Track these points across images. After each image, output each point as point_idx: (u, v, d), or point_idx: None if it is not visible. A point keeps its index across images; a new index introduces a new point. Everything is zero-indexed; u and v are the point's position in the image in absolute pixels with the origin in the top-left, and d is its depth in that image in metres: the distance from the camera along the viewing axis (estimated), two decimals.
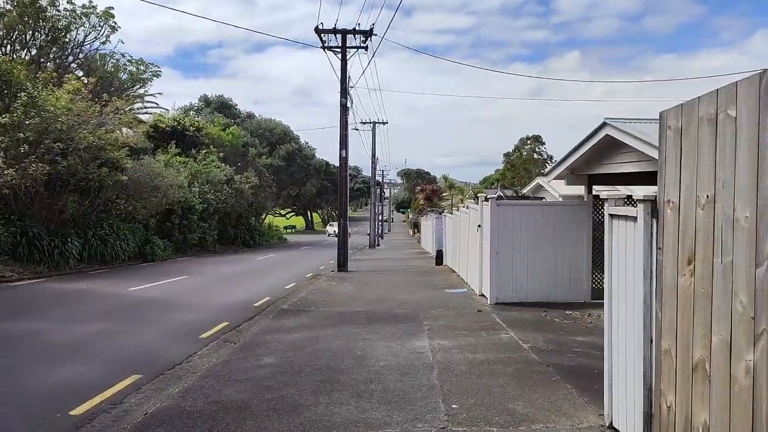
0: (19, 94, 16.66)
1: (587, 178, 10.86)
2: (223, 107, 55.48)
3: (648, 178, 9.16)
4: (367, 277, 17.34)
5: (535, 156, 59.76)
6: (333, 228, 52.64)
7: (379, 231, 49.57)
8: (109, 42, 27.11)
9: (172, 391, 5.75)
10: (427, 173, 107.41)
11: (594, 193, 10.95)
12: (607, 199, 4.32)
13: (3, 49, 23.40)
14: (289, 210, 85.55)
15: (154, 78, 31.15)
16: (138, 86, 31.19)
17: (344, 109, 20.18)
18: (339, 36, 20.01)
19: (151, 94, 35.01)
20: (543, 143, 60.82)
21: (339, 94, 20.17)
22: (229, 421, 4.74)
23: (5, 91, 17.48)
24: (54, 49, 25.34)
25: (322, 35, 19.90)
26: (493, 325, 8.72)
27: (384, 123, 45.53)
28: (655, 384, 3.69)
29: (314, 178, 73.36)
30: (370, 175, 51.35)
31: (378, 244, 42.31)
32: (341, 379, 5.85)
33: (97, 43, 26.76)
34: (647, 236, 3.73)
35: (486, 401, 5.05)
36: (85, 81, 23.11)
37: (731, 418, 2.85)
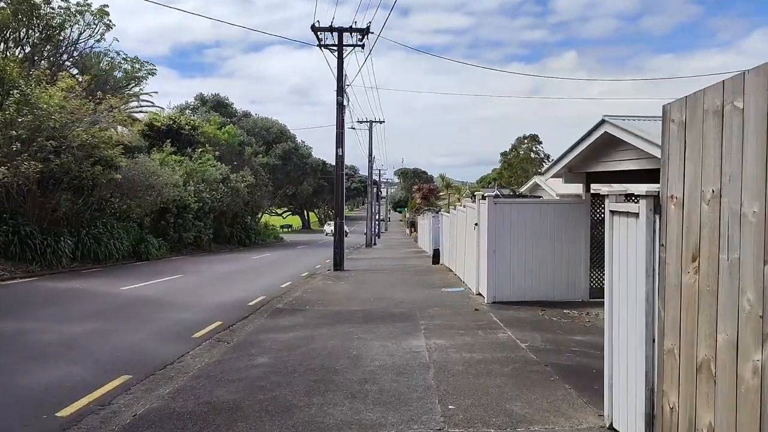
0: (11, 92, 16.46)
1: (585, 176, 10.77)
2: (219, 106, 55.24)
3: (647, 176, 9.08)
4: (364, 276, 17.23)
5: (532, 155, 59.75)
6: (330, 227, 52.47)
7: (376, 230, 49.43)
8: (104, 40, 27.00)
9: (163, 391, 5.63)
10: (425, 173, 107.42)
11: (592, 191, 10.87)
12: (607, 195, 4.22)
13: None
14: (286, 209, 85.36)
15: (149, 76, 30.95)
16: (133, 84, 30.96)
17: (341, 108, 20.06)
18: (335, 34, 19.88)
19: (146, 93, 34.82)
20: (540, 142, 60.86)
21: (335, 92, 20.05)
22: (220, 423, 4.62)
23: None
24: (48, 47, 25.11)
25: (319, 33, 19.77)
26: (490, 324, 8.61)
27: (381, 122, 45.48)
28: (657, 384, 3.59)
29: (311, 177, 73.21)
30: (367, 174, 51.24)
31: (375, 244, 42.19)
32: (335, 379, 5.74)
33: (91, 41, 26.56)
34: (649, 233, 3.62)
35: (483, 402, 4.94)
36: (79, 79, 22.87)
37: (738, 420, 2.75)
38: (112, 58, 28.88)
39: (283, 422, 4.57)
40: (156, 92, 45.21)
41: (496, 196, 11.53)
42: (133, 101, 33.57)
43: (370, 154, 47.39)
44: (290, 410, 4.85)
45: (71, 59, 26.80)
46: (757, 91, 2.65)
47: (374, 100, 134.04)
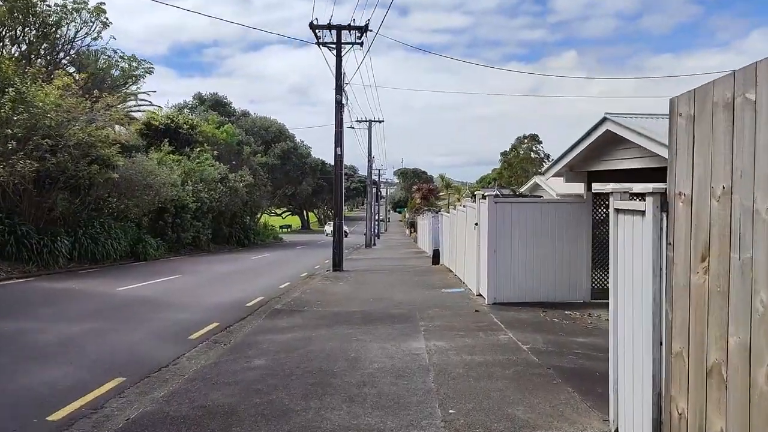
0: (6, 90, 16.32)
1: (586, 175, 10.66)
2: (217, 105, 55.12)
3: (650, 174, 8.96)
4: (363, 276, 17.11)
5: (532, 155, 59.66)
6: (331, 228, 52.46)
7: (376, 230, 49.32)
8: (101, 38, 26.68)
9: (157, 395, 5.51)
10: (424, 173, 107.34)
11: (594, 190, 10.75)
12: (612, 192, 4.10)
13: None
14: (285, 209, 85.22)
15: (147, 75, 30.79)
16: (130, 83, 30.80)
17: (339, 106, 19.93)
18: (334, 32, 19.77)
19: (144, 92, 34.68)
20: (540, 142, 60.78)
21: (334, 91, 19.92)
22: (215, 428, 4.50)
23: None
24: (45, 45, 24.95)
25: (317, 31, 19.66)
26: (491, 325, 8.49)
27: (380, 121, 45.35)
28: (665, 389, 3.47)
29: (310, 177, 73.07)
30: (367, 174, 51.13)
31: (374, 244, 42.09)
32: (333, 382, 5.62)
33: (88, 39, 26.36)
34: (656, 231, 3.50)
35: (485, 406, 4.82)
36: (76, 77, 22.73)
37: (751, 427, 2.63)
38: (109, 56, 28.76)
39: (279, 427, 4.45)
40: (154, 91, 45.29)
41: (497, 195, 11.41)
42: (131, 100, 33.45)
43: (370, 154, 47.28)
44: (287, 414, 4.73)
45: (68, 57, 26.64)
46: None
47: (373, 99, 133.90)
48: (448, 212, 20.11)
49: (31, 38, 24.02)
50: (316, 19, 19.44)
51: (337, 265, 19.04)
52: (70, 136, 17.67)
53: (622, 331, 4.07)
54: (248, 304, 11.45)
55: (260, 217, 51.48)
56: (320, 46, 19.92)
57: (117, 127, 24.95)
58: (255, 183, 38.78)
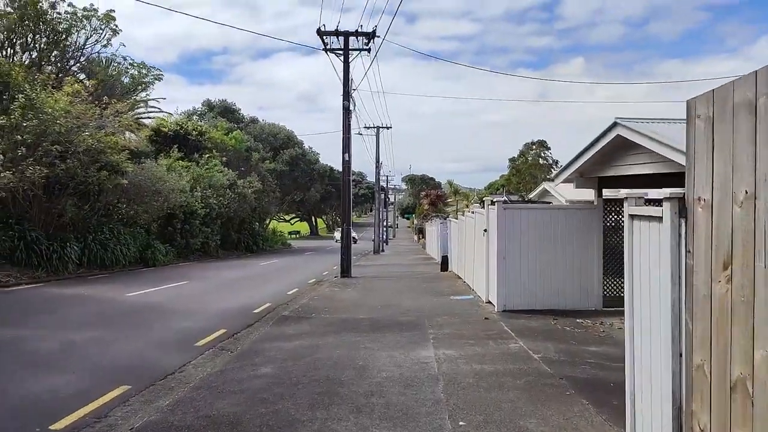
0: (16, 96, 16.44)
1: (597, 180, 10.51)
2: (226, 112, 55.42)
3: (662, 180, 8.80)
4: (371, 283, 17.00)
5: (541, 161, 59.30)
6: (340, 234, 52.44)
7: (384, 237, 49.23)
8: (111, 45, 26.85)
9: (162, 403, 5.43)
10: (432, 179, 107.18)
11: (604, 196, 10.59)
12: (626, 198, 3.97)
13: (4, 52, 23.25)
14: (294, 215, 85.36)
15: (156, 81, 30.95)
16: (140, 90, 31.00)
17: (347, 112, 19.91)
18: (341, 38, 19.77)
19: (153, 99, 34.89)
20: (548, 148, 60.40)
21: (342, 97, 19.91)
22: None
23: (4, 94, 17.28)
24: (55, 52, 25.17)
25: (325, 37, 19.68)
26: (501, 333, 8.35)
27: (388, 128, 45.30)
28: (685, 403, 3.33)
29: (318, 183, 73.17)
30: (375, 180, 51.08)
31: (382, 250, 41.97)
32: (341, 391, 5.51)
33: (98, 47, 26.54)
34: (674, 238, 3.37)
35: (496, 418, 4.69)
36: (86, 83, 22.90)
37: None
38: (118, 63, 28.95)
39: None
40: (164, 98, 45.55)
41: (506, 201, 11.27)
42: (140, 107, 33.64)
43: (378, 160, 47.25)
44: (292, 425, 4.63)
45: (78, 64, 26.85)
46: None
47: (381, 105, 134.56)
48: (457, 218, 19.97)
49: (42, 45, 24.24)
50: (324, 25, 19.48)
51: (345, 271, 18.94)
52: (79, 142, 17.76)
53: (639, 342, 3.93)
54: (256, 311, 11.37)
55: (269, 223, 51.59)
56: (328, 52, 19.94)
57: (127, 133, 25.08)
58: (263, 189, 38.85)
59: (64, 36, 24.73)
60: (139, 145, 27.00)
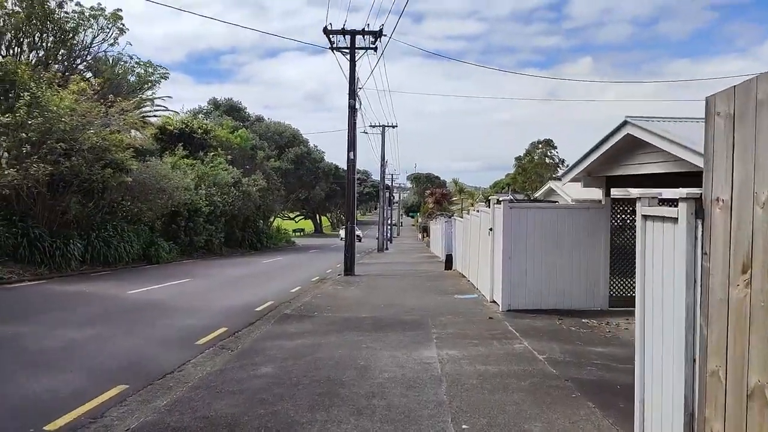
0: (22, 94, 16.42)
1: (605, 180, 10.36)
2: (232, 110, 55.40)
3: (673, 179, 8.63)
4: (375, 281, 16.89)
5: (547, 160, 58.99)
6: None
7: (388, 235, 49.11)
8: (117, 44, 26.86)
9: (159, 403, 5.33)
10: (437, 177, 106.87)
11: (613, 195, 10.43)
12: (640, 198, 3.83)
13: (12, 50, 23.27)
14: (298, 213, 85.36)
15: (162, 80, 30.93)
16: (146, 88, 30.98)
17: (352, 111, 19.79)
18: (348, 37, 19.66)
19: (159, 97, 34.86)
20: (555, 147, 60.07)
21: (348, 95, 19.80)
22: None
23: (9, 92, 17.25)
24: (62, 51, 25.17)
25: (331, 36, 19.56)
26: (505, 333, 8.21)
27: (394, 126, 45.18)
28: (698, 410, 3.19)
29: (323, 181, 73.10)
30: (380, 178, 50.95)
31: (387, 248, 41.85)
32: (341, 392, 5.39)
33: (105, 45, 26.57)
34: (690, 240, 3.23)
35: (500, 421, 4.56)
36: (92, 82, 22.89)
37: None
38: (125, 62, 28.95)
39: None
40: (170, 96, 45.45)
41: (512, 200, 11.13)
42: (146, 105, 33.63)
43: (383, 158, 47.12)
44: (291, 427, 4.52)
45: (84, 63, 26.86)
46: None
47: (387, 104, 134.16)
48: (462, 217, 19.82)
49: (49, 44, 24.24)
50: (330, 24, 19.36)
51: (349, 269, 18.85)
52: (84, 140, 17.73)
53: (650, 346, 3.79)
54: (258, 309, 11.29)
55: (273, 220, 51.57)
56: (334, 51, 19.83)
57: (133, 131, 25.06)
58: (268, 187, 38.81)
59: (71, 35, 24.73)
60: (145, 143, 26.97)
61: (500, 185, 61.72)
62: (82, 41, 25.72)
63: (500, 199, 10.99)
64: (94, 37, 26.00)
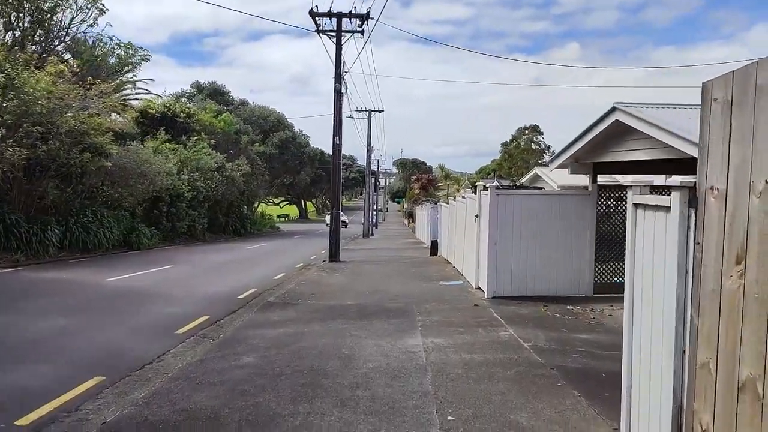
0: None
1: (592, 166, 10.30)
2: (215, 94, 54.47)
3: (660, 166, 8.62)
4: (360, 267, 16.79)
5: (533, 146, 59.16)
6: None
7: (374, 220, 49.00)
8: (97, 25, 25.98)
9: (137, 395, 5.18)
10: (423, 163, 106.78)
11: (599, 182, 10.40)
12: (631, 186, 3.74)
13: None
14: (283, 199, 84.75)
15: (143, 62, 30.15)
16: (126, 70, 30.20)
17: (338, 95, 19.50)
18: (334, 20, 19.31)
19: (141, 80, 34.06)
20: (541, 133, 60.22)
21: (333, 79, 19.49)
22: None
23: None
24: (39, 31, 24.34)
25: (317, 19, 19.19)
26: (490, 321, 8.17)
27: (380, 111, 44.86)
28: (687, 401, 3.14)
29: (308, 166, 72.53)
30: (365, 164, 50.69)
31: (372, 234, 41.77)
32: (325, 383, 5.29)
33: (84, 26, 25.69)
34: (683, 229, 3.15)
35: (485, 411, 4.50)
36: (71, 63, 22.20)
37: None
38: (104, 43, 28.13)
39: None
40: (152, 79, 44.36)
41: (498, 187, 11.05)
42: (127, 88, 32.85)
43: (369, 144, 46.84)
44: (273, 420, 4.41)
45: (63, 44, 26.03)
46: None
47: (373, 89, 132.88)
48: (447, 203, 19.76)
49: (26, 24, 23.41)
50: (317, 6, 18.96)
51: (334, 255, 18.72)
52: (61, 123, 17.22)
53: (638, 336, 3.73)
54: (241, 296, 11.13)
55: (257, 206, 51.08)
56: (320, 34, 19.46)
57: (113, 115, 24.44)
58: (252, 172, 38.33)
59: (48, 15, 23.89)
60: (125, 127, 26.34)
61: (486, 171, 61.82)
62: (60, 21, 24.86)
63: (487, 185, 10.91)
64: (73, 18, 25.14)
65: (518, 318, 8.34)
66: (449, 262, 16.81)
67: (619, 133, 8.61)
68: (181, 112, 33.91)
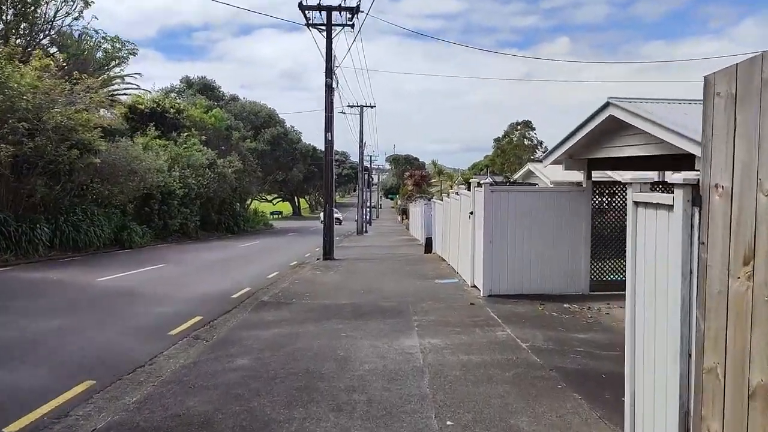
0: None
1: (586, 162, 10.24)
2: (206, 89, 53.97)
3: (655, 162, 8.57)
4: (354, 265, 16.68)
5: (526, 142, 59.13)
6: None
7: (367, 217, 48.86)
8: (82, 17, 25.71)
9: (128, 400, 5.06)
10: (416, 159, 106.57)
11: (593, 178, 10.34)
12: (631, 183, 3.66)
13: None
14: (276, 196, 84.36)
15: (131, 56, 29.86)
16: (114, 65, 29.82)
17: (330, 90, 19.33)
18: (324, 13, 19.11)
19: (129, 74, 33.68)
20: (533, 129, 60.19)
21: (324, 74, 19.30)
22: None
23: None
24: (24, 24, 23.97)
25: (307, 12, 18.98)
26: (487, 320, 8.10)
27: (372, 107, 44.63)
28: (693, 407, 3.07)
29: (301, 163, 72.18)
30: (358, 160, 50.49)
31: (366, 231, 41.65)
32: (320, 386, 5.19)
33: (69, 19, 25.37)
34: (686, 228, 3.07)
35: (485, 416, 4.41)
36: (57, 57, 21.85)
37: None
38: (91, 36, 27.77)
39: None
40: (140, 74, 43.89)
41: (492, 183, 10.96)
42: (116, 83, 32.44)
43: (361, 140, 46.62)
44: (268, 426, 4.30)
45: (47, 38, 25.66)
46: None
47: (365, 85, 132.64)
48: (441, 200, 19.68)
49: (9, 17, 23.05)
50: None
51: (328, 253, 18.60)
52: (48, 119, 16.94)
53: (641, 339, 3.66)
54: (234, 296, 10.99)
55: (250, 203, 50.82)
56: (310, 27, 19.26)
57: (102, 110, 24.12)
58: (244, 169, 38.08)
59: (32, 7, 23.54)
60: (114, 123, 26.02)
61: (479, 167, 61.81)
62: (45, 14, 24.53)
63: (481, 182, 10.82)
64: (58, 10, 24.83)
65: (515, 317, 8.28)
66: (444, 260, 16.74)
67: (614, 128, 8.54)
68: (171, 107, 33.57)
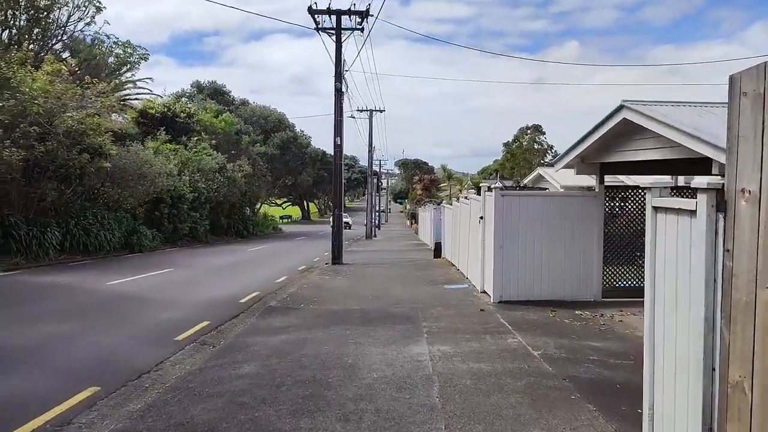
0: None
1: (599, 166, 10.06)
2: (216, 94, 54.27)
3: (669, 166, 8.39)
4: (363, 270, 16.57)
5: (536, 146, 58.73)
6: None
7: (376, 222, 48.76)
8: (94, 23, 25.86)
9: (133, 407, 4.98)
10: (425, 163, 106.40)
11: (606, 183, 10.17)
12: (650, 188, 3.52)
13: None
14: (285, 200, 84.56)
15: (142, 61, 30.04)
16: (125, 69, 30.04)
17: (339, 94, 19.29)
18: (334, 17, 19.09)
19: (140, 79, 33.92)
20: (543, 133, 59.76)
21: (334, 78, 19.27)
22: None
23: None
24: (36, 30, 24.21)
25: (316, 16, 18.97)
26: (498, 327, 7.94)
27: (381, 111, 44.62)
28: (718, 423, 2.92)
29: (310, 167, 72.28)
30: (367, 164, 50.46)
31: (375, 235, 41.54)
32: (327, 395, 5.07)
33: (81, 24, 25.57)
34: (710, 235, 2.92)
35: (497, 428, 4.27)
36: (68, 62, 22.03)
37: None
38: (102, 41, 27.99)
39: None
40: (150, 78, 44.18)
41: (503, 188, 10.82)
42: (127, 88, 32.68)
43: (370, 144, 46.62)
44: None
45: (60, 43, 25.89)
46: None
47: (374, 90, 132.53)
48: (451, 204, 19.52)
49: (22, 23, 23.28)
50: (315, 3, 18.73)
51: (336, 257, 18.51)
52: (59, 123, 17.05)
53: (661, 349, 3.50)
54: (242, 301, 10.92)
55: (259, 207, 50.89)
56: (319, 32, 19.25)
57: (113, 115, 24.30)
58: (254, 173, 38.15)
59: (44, 13, 23.76)
60: (125, 127, 26.21)
61: (488, 171, 61.46)
62: (57, 20, 24.75)
63: (491, 186, 10.68)
64: (70, 16, 25.03)
65: (526, 324, 8.12)
66: (453, 265, 16.58)
67: (627, 132, 8.37)
68: (182, 112, 33.73)
